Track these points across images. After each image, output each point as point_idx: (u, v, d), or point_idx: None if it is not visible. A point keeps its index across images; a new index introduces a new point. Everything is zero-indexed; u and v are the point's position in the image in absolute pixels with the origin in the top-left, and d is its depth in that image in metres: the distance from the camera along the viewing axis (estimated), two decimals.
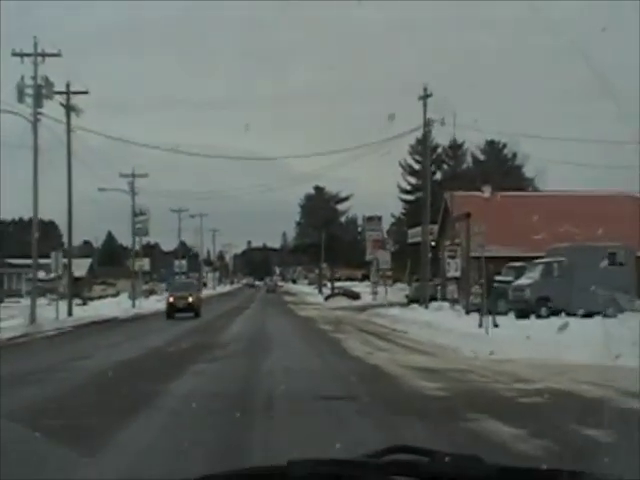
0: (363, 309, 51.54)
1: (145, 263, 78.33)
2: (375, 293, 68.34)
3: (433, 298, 45.44)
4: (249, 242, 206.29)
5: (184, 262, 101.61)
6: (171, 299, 44.09)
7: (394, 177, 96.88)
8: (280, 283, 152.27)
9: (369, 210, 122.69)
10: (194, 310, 41.66)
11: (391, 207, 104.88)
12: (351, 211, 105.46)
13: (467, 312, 35.02)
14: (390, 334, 28.12)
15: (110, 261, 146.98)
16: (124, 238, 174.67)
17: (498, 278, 36.53)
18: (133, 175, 57.40)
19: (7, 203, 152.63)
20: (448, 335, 23.77)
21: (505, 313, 33.90)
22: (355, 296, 73.50)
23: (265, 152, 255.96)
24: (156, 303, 61.70)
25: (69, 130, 42.69)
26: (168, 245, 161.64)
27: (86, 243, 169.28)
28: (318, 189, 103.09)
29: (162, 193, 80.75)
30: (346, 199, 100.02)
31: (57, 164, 47.53)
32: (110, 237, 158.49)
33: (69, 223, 46.39)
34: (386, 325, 32.86)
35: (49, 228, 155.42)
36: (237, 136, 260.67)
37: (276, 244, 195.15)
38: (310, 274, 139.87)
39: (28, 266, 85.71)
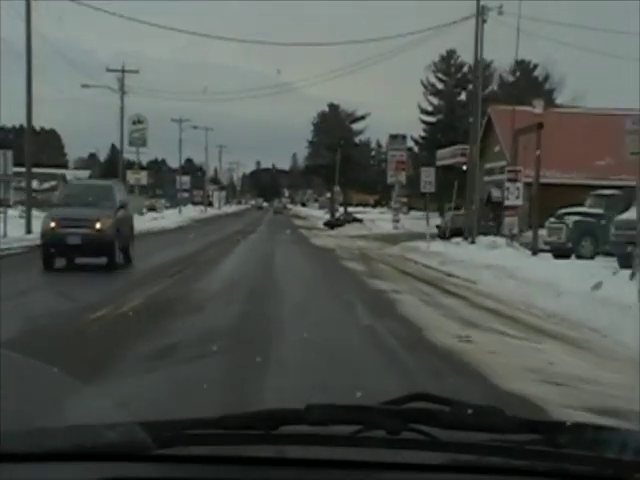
0: (389, 240, 42.63)
1: (142, 177, 68.97)
2: (397, 221, 59.19)
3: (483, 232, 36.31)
4: (258, 162, 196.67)
5: (186, 178, 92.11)
6: (52, 225, 20.02)
7: (413, 98, 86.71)
8: (289, 206, 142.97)
9: (385, 133, 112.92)
10: (107, 250, 19.75)
11: (410, 129, 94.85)
12: (366, 133, 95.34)
13: (534, 252, 26.10)
14: (456, 285, 18.90)
15: (114, 175, 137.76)
16: (129, 151, 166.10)
17: (578, 210, 27.48)
18: (123, 70, 47.39)
19: (7, 110, 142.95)
20: (557, 296, 14.70)
21: (592, 257, 24.90)
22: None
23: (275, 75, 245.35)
24: (148, 222, 52.80)
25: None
26: (176, 162, 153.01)
27: (92, 155, 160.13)
28: (333, 107, 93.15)
29: (165, 107, 71.51)
30: (362, 118, 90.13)
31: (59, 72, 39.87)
32: (114, 149, 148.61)
33: (28, 118, 36.61)
34: (435, 267, 23.73)
35: (50, 137, 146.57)
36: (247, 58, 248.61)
37: (286, 166, 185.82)
38: (321, 197, 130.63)
39: (19, 174, 76.46)
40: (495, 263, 22.00)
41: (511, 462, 1.71)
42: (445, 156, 55.32)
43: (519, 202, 29.32)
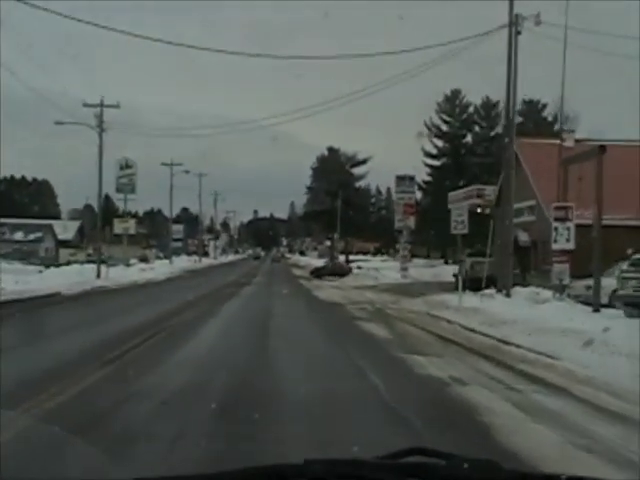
0: (402, 291, 36.77)
1: (130, 225, 63.21)
2: (405, 270, 53.29)
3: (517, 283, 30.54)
4: (255, 211, 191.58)
5: (179, 227, 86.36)
6: None
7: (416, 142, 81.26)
8: (288, 255, 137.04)
9: (385, 179, 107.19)
10: None
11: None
12: (367, 178, 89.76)
13: (596, 308, 20.24)
14: (531, 363, 12.52)
15: (108, 225, 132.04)
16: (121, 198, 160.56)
17: None
18: (101, 105, 41.72)
19: None
20: None
21: None
22: (343, 273, 56.84)
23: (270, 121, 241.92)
24: (135, 273, 46.94)
25: None
26: (174, 213, 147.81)
27: (87, 206, 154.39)
28: (332, 150, 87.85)
29: (161, 156, 66.05)
30: (363, 162, 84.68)
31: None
32: (108, 200, 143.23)
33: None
34: (480, 330, 17.64)
35: (43, 188, 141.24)
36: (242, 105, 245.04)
37: (284, 214, 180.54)
38: (320, 246, 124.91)
39: (2, 225, 70.07)
40: (559, 325, 16.11)
41: None
42: (457, 198, 49.59)
43: (570, 246, 23.49)
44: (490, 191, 44.78)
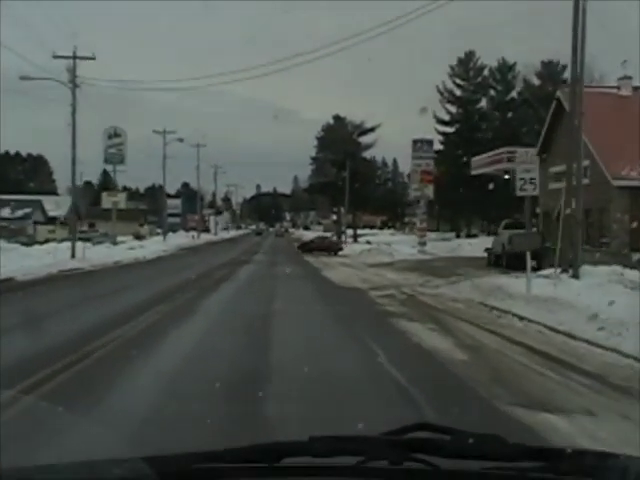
0: (428, 270, 30.44)
1: (120, 199, 56.93)
2: (423, 244, 46.87)
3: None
4: (258, 186, 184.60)
5: (177, 202, 79.82)
6: None
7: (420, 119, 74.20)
8: (291, 230, 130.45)
9: (392, 149, 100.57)
10: None
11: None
12: (374, 149, 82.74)
13: None
14: None
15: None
16: (125, 178, 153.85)
17: None
18: (74, 57, 34.72)
19: None
20: None
21: None
22: (334, 249, 51.19)
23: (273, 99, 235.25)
24: (110, 254, 40.61)
25: None
26: (175, 188, 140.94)
27: (87, 184, 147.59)
28: (338, 119, 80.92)
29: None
30: (372, 130, 77.60)
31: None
32: (106, 175, 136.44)
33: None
34: (596, 341, 11.39)
35: (37, 163, 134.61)
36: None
37: (287, 189, 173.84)
38: (325, 220, 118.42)
39: None
40: None
41: None
42: (482, 163, 43.05)
43: None
44: (522, 153, 38.21)
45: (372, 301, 18.47)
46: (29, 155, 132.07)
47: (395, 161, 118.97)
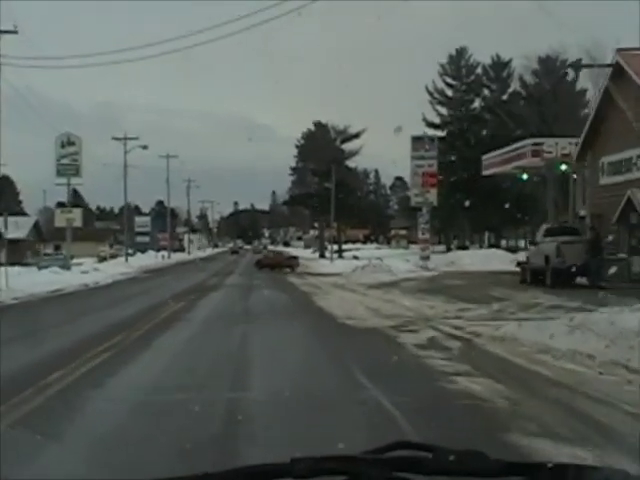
0: (456, 294, 22.51)
1: (75, 216, 48.79)
2: (426, 259, 39.06)
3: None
4: (236, 203, 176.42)
5: (147, 219, 71.51)
6: None
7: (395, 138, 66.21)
8: (270, 247, 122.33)
9: (379, 159, 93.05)
10: None
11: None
12: (361, 156, 74.82)
13: None
14: None
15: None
16: (96, 196, 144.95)
17: None
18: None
19: None
20: None
21: None
22: (289, 265, 46.03)
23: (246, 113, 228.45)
24: (39, 282, 32.41)
25: None
26: (149, 207, 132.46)
27: (60, 204, 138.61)
28: (320, 125, 73.16)
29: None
30: (356, 136, 69.91)
31: None
32: (75, 194, 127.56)
33: None
34: None
35: (3, 184, 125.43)
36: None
37: (265, 206, 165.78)
38: (305, 235, 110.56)
39: None
40: None
41: None
42: (499, 161, 35.33)
43: None
44: (552, 145, 30.58)
45: (414, 359, 10.53)
46: None
47: (377, 172, 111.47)
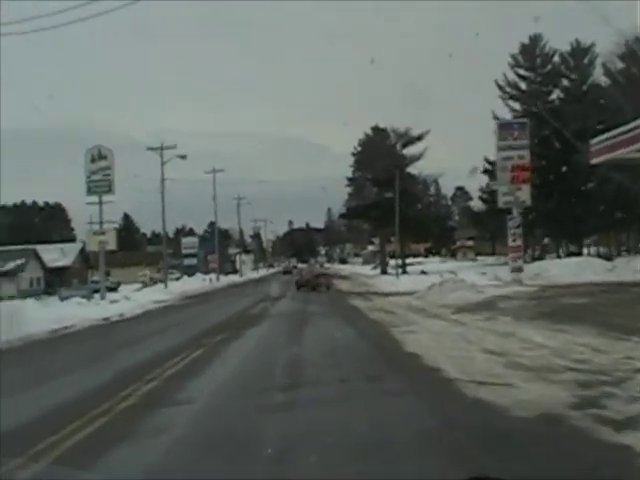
0: (601, 321, 14.90)
1: (110, 238, 42.00)
2: (518, 271, 31.32)
3: None
4: (290, 222, 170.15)
5: (194, 240, 64.93)
6: None
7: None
8: (326, 265, 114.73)
9: (439, 168, 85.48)
10: None
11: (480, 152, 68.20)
12: (425, 160, 66.79)
13: None
14: None
15: (131, 247, 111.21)
16: (149, 221, 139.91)
17: None
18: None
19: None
20: None
21: None
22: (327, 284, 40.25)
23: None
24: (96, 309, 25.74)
25: None
26: (203, 229, 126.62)
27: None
28: (378, 130, 65.87)
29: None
30: (419, 139, 62.35)
31: None
32: (127, 219, 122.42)
33: None
34: None
35: (55, 211, 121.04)
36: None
37: (320, 224, 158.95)
38: (363, 251, 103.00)
39: None
40: None
41: None
42: (615, 145, 27.40)
43: None
44: None
45: None
46: (46, 204, 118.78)
47: (436, 182, 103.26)
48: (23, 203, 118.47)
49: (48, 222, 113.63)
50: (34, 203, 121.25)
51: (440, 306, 24.47)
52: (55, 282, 68.77)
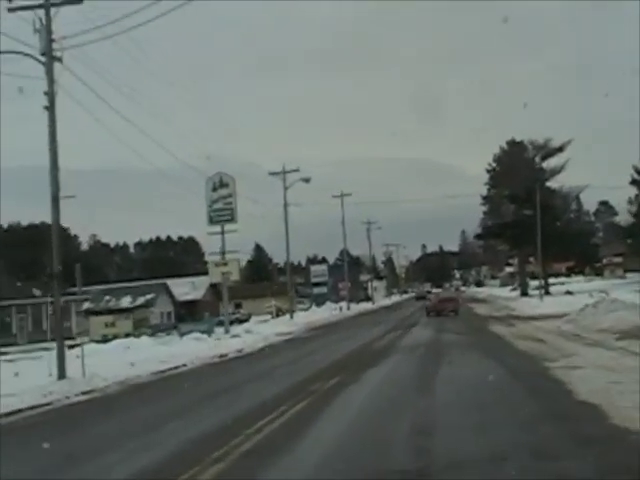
0: None
1: (232, 269, 39.83)
2: None
3: None
4: (424, 246, 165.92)
5: (323, 268, 62.54)
6: None
7: None
8: (462, 288, 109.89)
9: (581, 181, 79.20)
10: None
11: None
12: (566, 173, 61.39)
13: None
14: None
15: (261, 278, 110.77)
16: (282, 251, 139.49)
17: None
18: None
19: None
20: None
21: None
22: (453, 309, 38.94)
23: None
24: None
25: None
26: (335, 257, 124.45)
27: (249, 262, 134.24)
28: (515, 144, 61.53)
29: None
30: (559, 150, 57.54)
31: None
32: (259, 249, 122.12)
33: None
34: None
35: (188, 245, 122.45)
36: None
37: (454, 247, 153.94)
38: (500, 273, 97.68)
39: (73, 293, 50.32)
40: None
41: None
42: None
43: None
44: None
45: None
46: (180, 238, 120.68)
47: (578, 197, 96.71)
48: (158, 239, 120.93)
49: (182, 256, 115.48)
50: (168, 238, 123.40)
51: (598, 331, 20.65)
52: (186, 316, 68.06)
